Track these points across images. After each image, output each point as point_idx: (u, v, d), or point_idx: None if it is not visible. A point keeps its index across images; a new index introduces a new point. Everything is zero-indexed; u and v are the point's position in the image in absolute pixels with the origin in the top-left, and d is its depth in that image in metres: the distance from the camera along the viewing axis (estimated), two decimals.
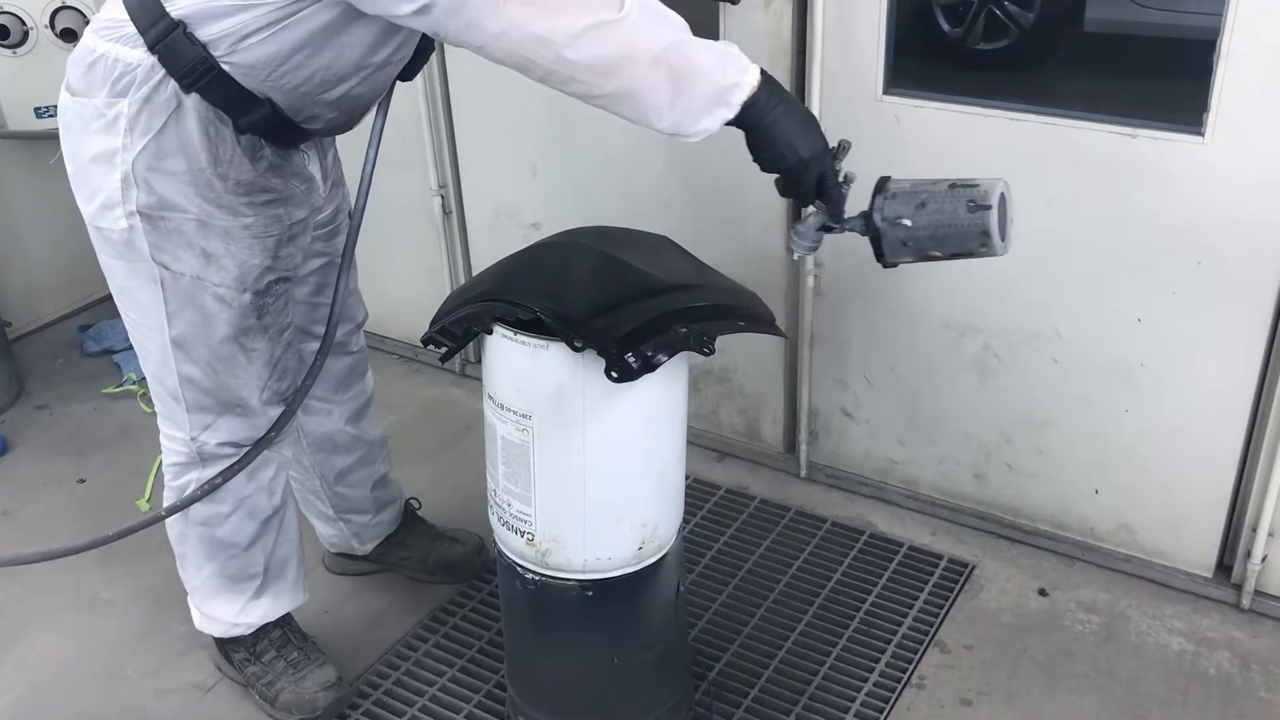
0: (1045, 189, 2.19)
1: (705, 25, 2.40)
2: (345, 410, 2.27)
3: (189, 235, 1.76)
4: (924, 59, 4.57)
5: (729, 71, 1.51)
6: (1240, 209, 2.02)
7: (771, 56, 2.34)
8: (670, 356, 1.61)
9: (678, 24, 1.52)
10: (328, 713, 2.14)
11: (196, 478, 1.97)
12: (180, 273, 1.79)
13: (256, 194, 1.78)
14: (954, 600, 2.35)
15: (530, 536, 1.76)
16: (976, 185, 1.54)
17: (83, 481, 2.87)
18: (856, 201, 1.63)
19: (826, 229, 1.63)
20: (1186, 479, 2.28)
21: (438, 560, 2.46)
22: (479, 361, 3.26)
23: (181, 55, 1.64)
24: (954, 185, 1.55)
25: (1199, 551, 2.33)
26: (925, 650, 2.23)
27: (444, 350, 1.79)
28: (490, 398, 1.74)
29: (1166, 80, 2.51)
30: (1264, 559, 2.24)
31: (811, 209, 1.63)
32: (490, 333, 1.68)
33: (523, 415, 1.68)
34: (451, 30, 1.49)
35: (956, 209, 1.53)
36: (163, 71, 1.66)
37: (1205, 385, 2.18)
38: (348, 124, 1.88)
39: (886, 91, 2.27)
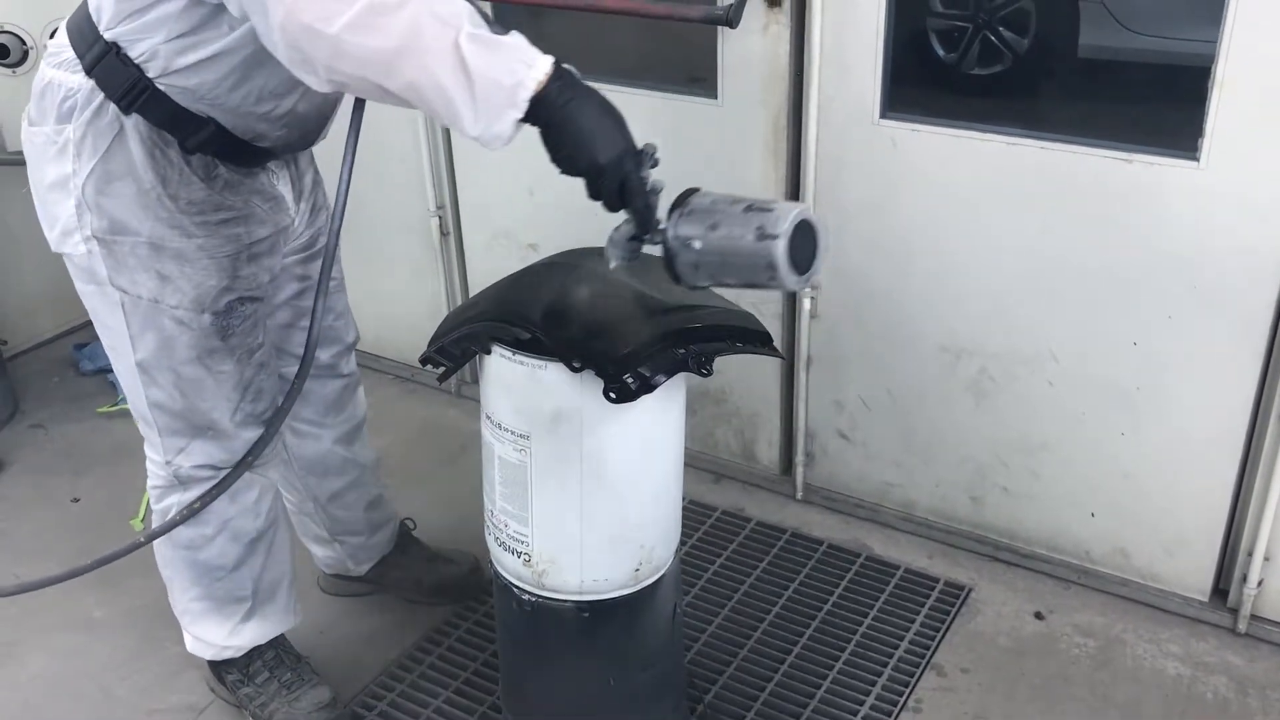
0: (1041, 213, 2.20)
1: (703, 48, 2.42)
2: (336, 433, 2.26)
3: (143, 258, 1.76)
4: (919, 84, 4.60)
5: (514, 67, 1.39)
6: (1235, 234, 2.03)
7: (769, 80, 2.35)
8: (669, 377, 1.62)
9: (461, 11, 1.40)
10: None
11: (178, 501, 1.96)
12: (138, 296, 1.79)
13: (210, 213, 1.77)
14: (950, 623, 2.35)
15: (527, 557, 1.76)
16: (771, 210, 1.40)
17: (77, 500, 2.86)
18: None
19: (636, 240, 1.50)
20: (1182, 502, 2.28)
21: (433, 581, 2.45)
22: (475, 382, 3.26)
23: (116, 76, 1.65)
24: (750, 207, 1.42)
25: (1195, 575, 2.33)
26: (922, 673, 2.23)
27: (442, 370, 1.79)
28: (488, 418, 1.74)
29: (1161, 106, 2.53)
30: (1260, 583, 2.24)
31: (625, 215, 1.50)
32: (489, 353, 1.68)
33: (520, 435, 1.68)
34: (259, 28, 1.43)
35: (744, 234, 1.39)
36: (102, 95, 1.67)
37: (1201, 409, 2.19)
38: (303, 141, 1.86)
39: (883, 115, 2.28)
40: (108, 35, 1.64)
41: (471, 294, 2.97)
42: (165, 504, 1.98)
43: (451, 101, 1.38)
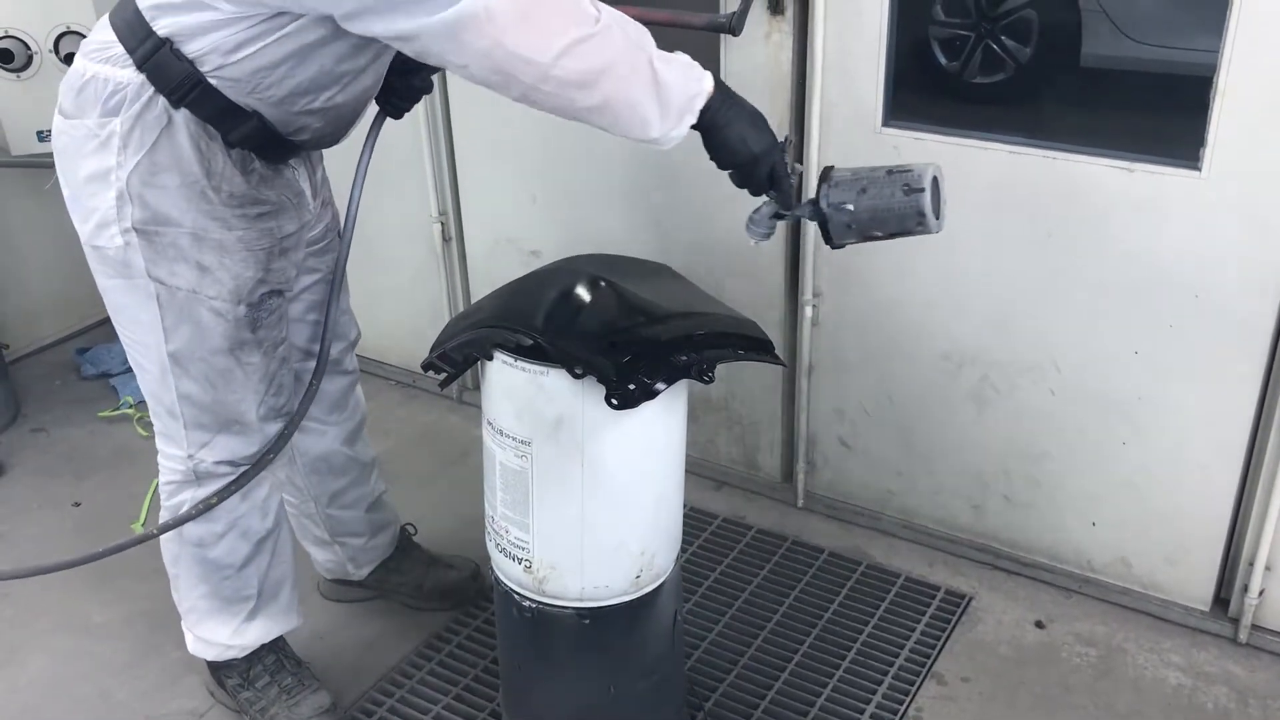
0: (1044, 222, 2.20)
1: (706, 55, 2.42)
2: (341, 431, 2.28)
3: (184, 249, 1.78)
4: (921, 92, 4.61)
5: (690, 80, 1.59)
6: (1237, 243, 2.03)
7: (772, 88, 2.36)
8: (670, 384, 1.62)
9: (645, 34, 1.57)
10: None
11: (191, 497, 1.97)
12: (176, 287, 1.81)
13: (249, 206, 1.81)
14: (951, 632, 2.35)
15: (528, 564, 1.76)
16: (910, 170, 1.64)
17: (78, 505, 2.86)
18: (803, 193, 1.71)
19: (779, 216, 1.73)
20: (1183, 512, 2.28)
21: (434, 586, 2.45)
22: (477, 388, 3.26)
23: (169, 72, 1.67)
24: (890, 171, 1.65)
25: (1196, 585, 2.33)
26: (922, 682, 2.22)
27: (444, 376, 1.79)
28: (489, 424, 1.74)
29: (1163, 115, 2.53)
30: (1261, 593, 2.24)
31: (764, 199, 1.72)
32: (491, 359, 1.68)
33: (522, 442, 1.68)
34: (436, 51, 1.51)
35: (894, 193, 1.62)
36: (152, 89, 1.69)
37: (1202, 418, 2.19)
38: (334, 136, 1.90)
39: (886, 123, 2.29)
40: (161, 31, 1.66)
41: (473, 300, 2.97)
42: (178, 499, 1.99)
43: (643, 113, 1.56)
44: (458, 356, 1.76)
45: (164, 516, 2.03)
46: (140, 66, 1.68)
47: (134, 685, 2.30)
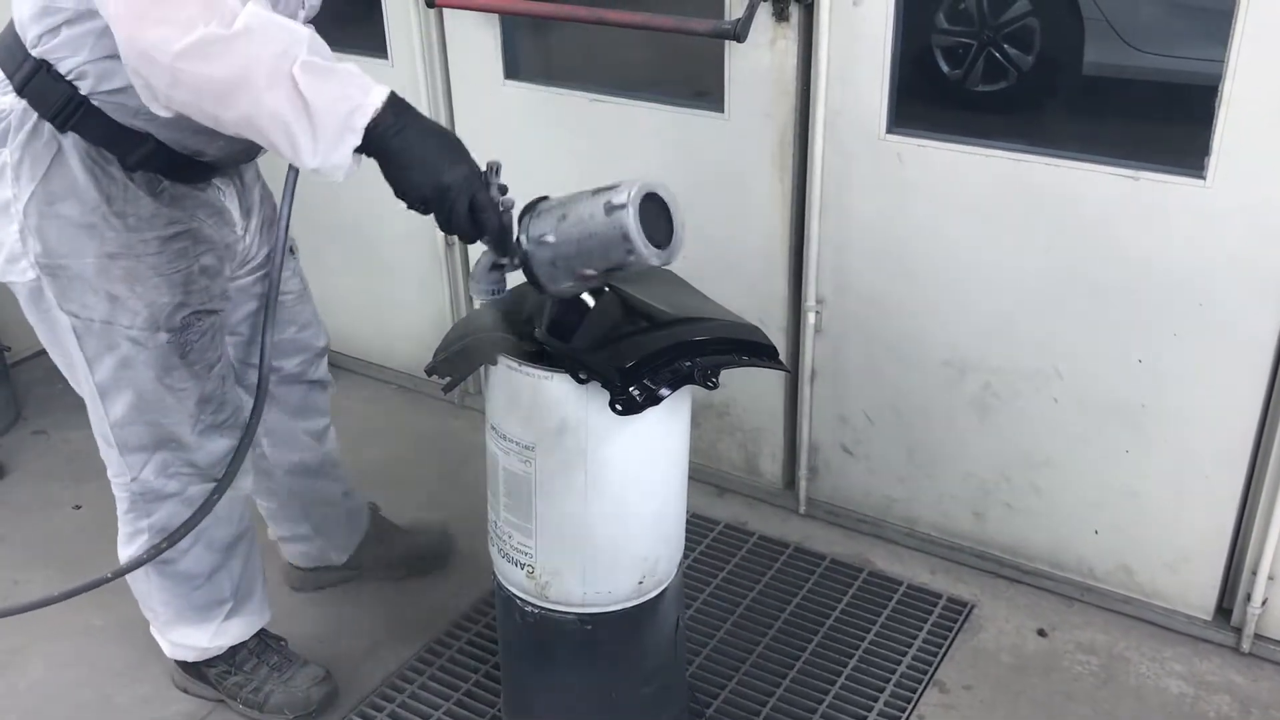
0: (1047, 229, 2.20)
1: (710, 61, 2.43)
2: (310, 434, 2.30)
3: (90, 280, 1.72)
4: (925, 100, 4.61)
5: (349, 94, 1.39)
6: (1241, 252, 2.03)
7: (776, 94, 2.36)
8: (674, 390, 1.62)
9: (301, 39, 1.38)
10: (321, 706, 2.17)
11: (147, 523, 1.97)
12: (90, 319, 1.76)
13: (161, 228, 1.73)
14: (953, 639, 2.34)
15: (530, 569, 1.76)
16: (615, 186, 1.39)
17: (79, 508, 2.86)
18: None
19: (497, 266, 1.47)
20: (1186, 520, 2.28)
21: (410, 552, 2.51)
22: (479, 393, 3.25)
23: (48, 95, 1.60)
24: (596, 191, 1.41)
25: (1199, 594, 2.32)
26: (924, 690, 2.22)
27: (447, 381, 1.79)
28: (493, 429, 1.74)
29: (1166, 124, 2.53)
30: (1264, 602, 2.23)
31: (483, 247, 1.48)
32: (494, 364, 1.68)
33: (525, 447, 1.68)
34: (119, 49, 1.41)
35: (594, 213, 1.38)
36: (35, 115, 1.63)
37: (1205, 427, 2.19)
38: (245, 154, 1.81)
39: (890, 130, 2.29)
40: (35, 53, 1.60)
41: (476, 306, 2.97)
42: (136, 527, 1.98)
43: (290, 132, 1.36)
44: (461, 361, 1.76)
45: (121, 542, 2.03)
46: (20, 92, 1.62)
47: (134, 689, 2.29)
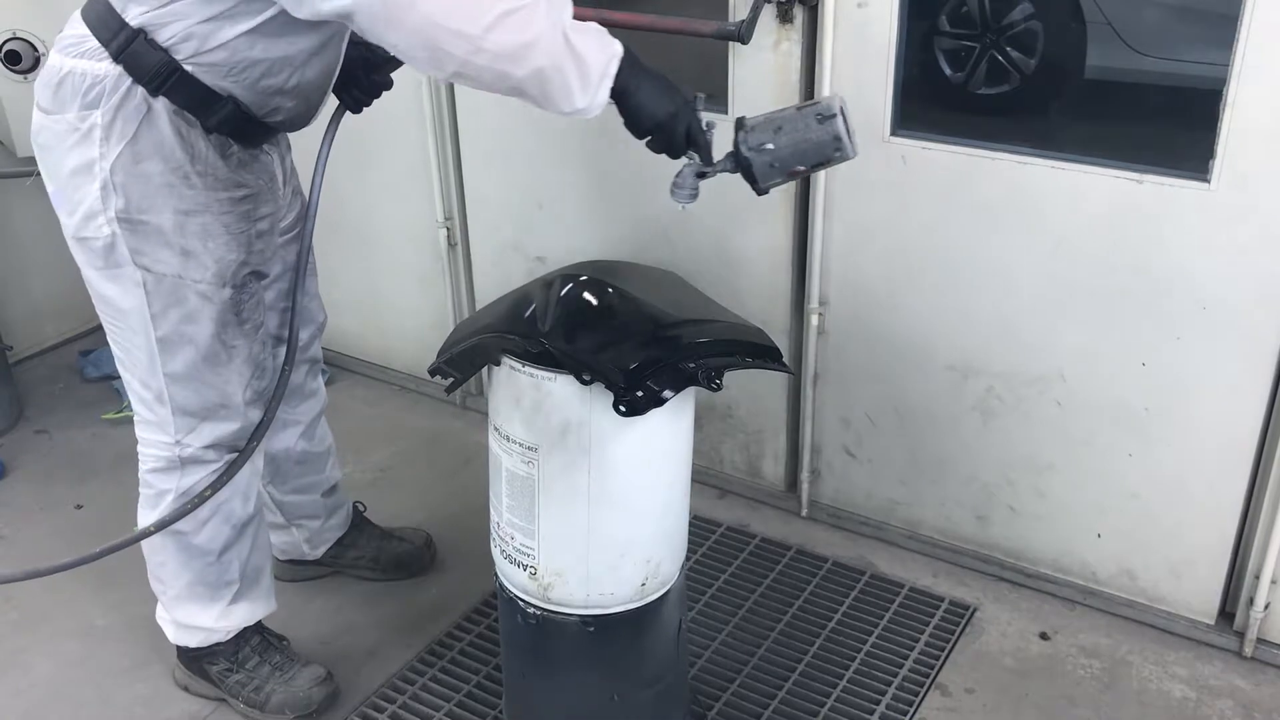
0: (1051, 232, 2.20)
1: (714, 63, 2.43)
2: (301, 419, 2.32)
3: (167, 235, 1.82)
4: (929, 103, 4.61)
5: (604, 47, 1.62)
6: (1246, 255, 2.03)
7: (780, 96, 2.36)
8: (678, 391, 1.62)
9: (561, 3, 1.61)
10: (322, 706, 2.18)
11: (176, 485, 2.01)
12: (162, 274, 1.85)
13: (232, 189, 1.86)
14: (955, 642, 2.34)
15: (533, 570, 1.76)
16: (818, 102, 1.70)
17: (80, 507, 2.86)
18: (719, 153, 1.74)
19: (702, 175, 1.75)
20: (1189, 524, 2.27)
21: (389, 558, 2.53)
22: (481, 394, 3.25)
23: (145, 61, 1.72)
24: (800, 108, 1.71)
25: (1201, 598, 2.32)
26: (926, 693, 2.22)
27: (450, 381, 1.79)
28: (496, 430, 1.74)
29: (1170, 127, 2.53)
30: (1267, 606, 2.23)
31: (684, 160, 1.74)
32: (498, 364, 1.68)
33: (529, 448, 1.68)
34: (371, 30, 1.55)
35: (809, 125, 1.67)
36: (130, 79, 1.73)
37: (1209, 430, 2.18)
38: (306, 115, 1.94)
39: (894, 132, 2.28)
40: (134, 22, 1.71)
41: (478, 306, 2.97)
42: (162, 487, 2.03)
43: (567, 80, 1.58)
44: (464, 362, 1.76)
45: (144, 505, 2.07)
46: (116, 58, 1.73)
47: (136, 689, 2.29)
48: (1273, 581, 2.21)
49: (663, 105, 1.67)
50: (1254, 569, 2.23)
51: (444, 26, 1.51)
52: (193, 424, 1.97)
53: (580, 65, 1.59)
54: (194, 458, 1.99)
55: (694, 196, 1.76)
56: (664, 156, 1.72)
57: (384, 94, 2.11)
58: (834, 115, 1.65)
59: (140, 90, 1.74)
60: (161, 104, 1.75)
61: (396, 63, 1.94)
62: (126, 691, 2.29)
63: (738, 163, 1.70)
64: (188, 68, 1.73)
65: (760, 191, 1.72)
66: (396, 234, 3.13)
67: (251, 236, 1.91)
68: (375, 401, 3.29)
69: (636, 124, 1.69)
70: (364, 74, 2.03)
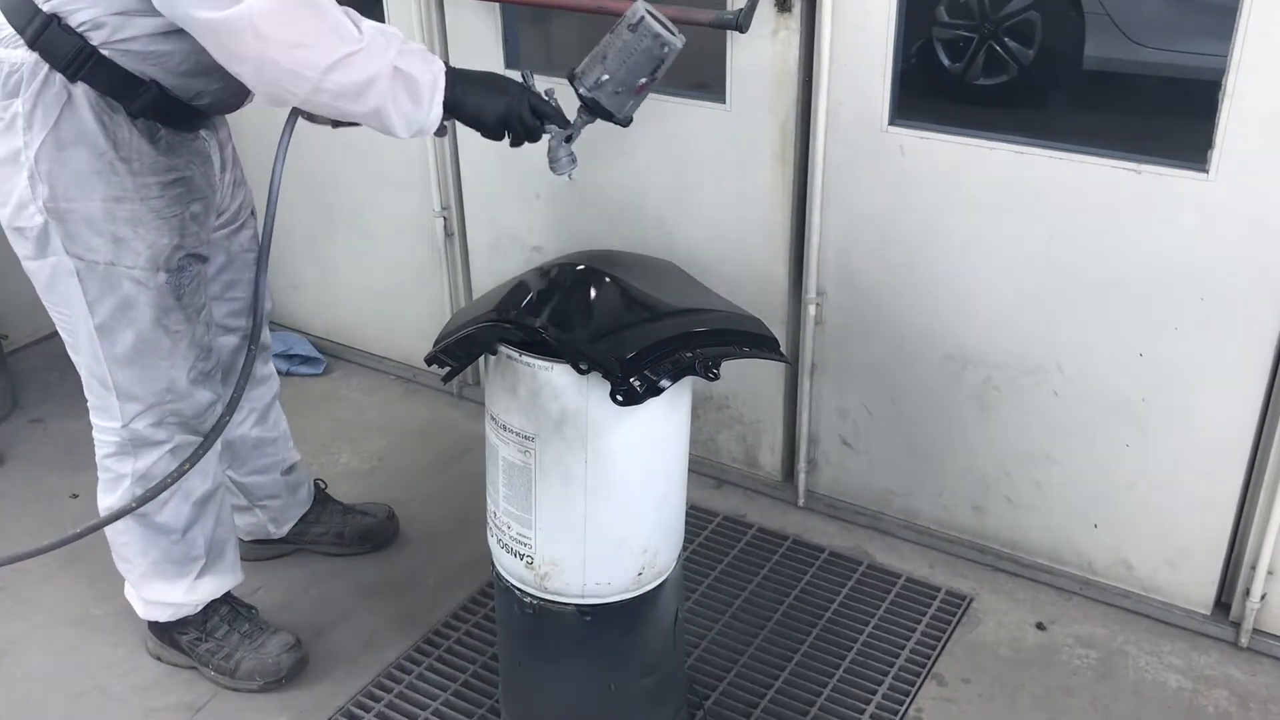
0: (1048, 222, 2.19)
1: (712, 52, 2.42)
2: (254, 407, 2.35)
3: (97, 223, 1.83)
4: (927, 93, 4.61)
5: (431, 65, 1.70)
6: (1243, 245, 2.03)
7: (777, 85, 2.35)
8: (675, 381, 1.61)
9: (397, 35, 1.68)
10: (291, 673, 2.21)
11: (131, 468, 2.04)
12: (94, 261, 1.85)
13: (162, 173, 1.86)
14: (951, 633, 2.34)
15: (529, 560, 1.75)
16: (622, 16, 1.74)
17: (75, 496, 2.85)
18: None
19: (569, 139, 1.81)
20: (1186, 515, 2.28)
21: (353, 531, 2.56)
22: (477, 384, 3.24)
23: (60, 47, 1.72)
24: (611, 31, 1.75)
25: (1198, 588, 2.32)
26: (922, 683, 2.22)
27: (447, 371, 1.78)
28: (493, 419, 1.74)
29: (1168, 117, 2.53)
30: (1263, 597, 2.23)
31: (546, 136, 1.80)
32: (495, 354, 1.68)
33: (525, 437, 1.68)
34: (217, 54, 1.60)
35: (625, 39, 1.72)
36: (47, 66, 1.73)
37: (1206, 421, 2.18)
38: (237, 98, 1.93)
39: (892, 122, 2.28)
40: (46, 7, 1.70)
41: (475, 296, 2.97)
42: (119, 471, 2.06)
43: (403, 108, 1.67)
44: (461, 351, 1.75)
45: (103, 489, 2.11)
46: (32, 45, 1.73)
47: (132, 679, 2.29)
48: (1269, 572, 2.21)
49: (495, 102, 1.73)
50: (1250, 560, 2.24)
51: (283, 67, 1.58)
52: (138, 407, 1.99)
53: (412, 87, 1.66)
54: (143, 439, 2.01)
55: (574, 161, 1.82)
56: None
57: None
58: (641, 18, 1.70)
59: (59, 77, 1.74)
60: (81, 90, 1.75)
61: None
62: (122, 681, 2.28)
63: (590, 109, 1.75)
64: (105, 52, 1.73)
65: (624, 122, 1.77)
66: (394, 224, 3.12)
67: (185, 219, 1.91)
68: (372, 391, 3.29)
69: (482, 127, 1.75)
70: None
